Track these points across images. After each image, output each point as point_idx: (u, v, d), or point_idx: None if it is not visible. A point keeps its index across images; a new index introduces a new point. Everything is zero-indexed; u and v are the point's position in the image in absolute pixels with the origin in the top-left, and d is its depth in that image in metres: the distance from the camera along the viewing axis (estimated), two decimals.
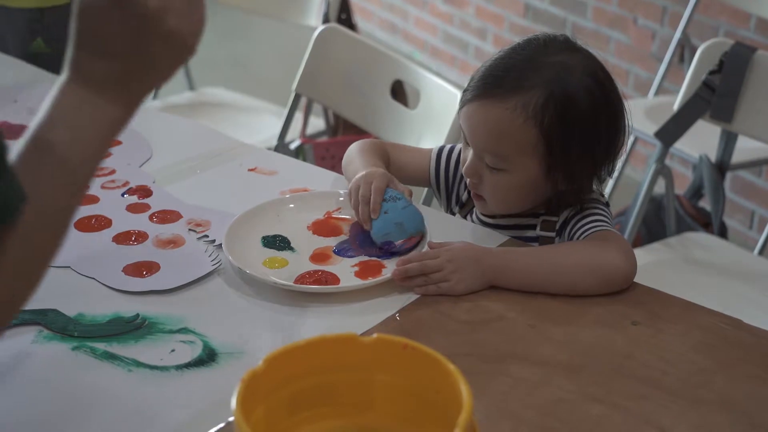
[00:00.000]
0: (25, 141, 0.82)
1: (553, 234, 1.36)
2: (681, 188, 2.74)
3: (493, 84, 1.29)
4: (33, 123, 0.82)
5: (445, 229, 1.37)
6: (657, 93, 2.91)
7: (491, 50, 4.04)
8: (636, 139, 2.74)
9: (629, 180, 3.05)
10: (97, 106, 0.83)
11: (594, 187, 1.36)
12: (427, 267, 1.23)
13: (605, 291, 1.24)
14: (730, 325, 1.19)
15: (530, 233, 1.38)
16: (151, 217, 1.40)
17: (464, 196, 1.46)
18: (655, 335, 1.17)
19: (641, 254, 2.06)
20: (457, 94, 1.79)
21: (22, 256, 0.79)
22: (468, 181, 1.36)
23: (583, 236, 1.30)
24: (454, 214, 1.49)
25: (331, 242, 1.34)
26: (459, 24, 4.19)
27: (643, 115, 2.66)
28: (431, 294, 1.23)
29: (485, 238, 1.36)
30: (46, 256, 0.83)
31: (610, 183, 2.87)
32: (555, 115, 1.27)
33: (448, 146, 1.50)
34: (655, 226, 2.30)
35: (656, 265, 2.02)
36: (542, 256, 1.27)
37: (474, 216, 1.45)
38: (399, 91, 2.17)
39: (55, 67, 1.75)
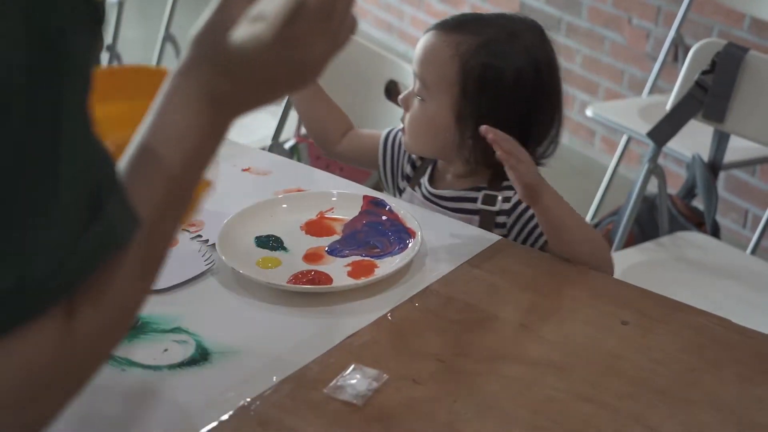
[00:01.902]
0: (134, 147, 0.75)
1: (494, 208, 1.42)
2: (675, 187, 2.75)
3: (451, 21, 1.42)
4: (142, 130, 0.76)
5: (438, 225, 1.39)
6: (651, 92, 2.92)
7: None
8: (630, 139, 2.75)
9: (623, 179, 3.05)
10: (210, 120, 0.77)
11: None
12: (521, 152, 1.30)
13: (592, 263, 1.32)
14: (720, 325, 1.20)
15: (471, 206, 1.44)
16: None
17: (408, 168, 1.54)
18: (645, 335, 1.18)
19: (634, 253, 2.07)
20: None
21: (133, 277, 0.73)
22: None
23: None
24: (401, 190, 1.54)
25: (324, 242, 1.35)
26: None
27: (636, 114, 2.67)
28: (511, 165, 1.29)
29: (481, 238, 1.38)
30: (154, 276, 0.77)
31: (604, 181, 2.88)
32: (479, 65, 1.37)
33: (397, 128, 1.57)
34: (648, 225, 2.31)
35: (649, 265, 2.03)
36: (564, 203, 1.37)
37: (423, 189, 1.50)
38: (393, 91, 2.17)
39: None
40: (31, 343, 0.64)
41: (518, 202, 1.41)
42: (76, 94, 0.63)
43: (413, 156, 1.53)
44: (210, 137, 0.77)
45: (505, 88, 1.37)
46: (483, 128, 1.29)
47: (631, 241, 2.23)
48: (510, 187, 1.41)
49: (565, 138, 3.74)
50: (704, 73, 2.01)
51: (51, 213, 0.62)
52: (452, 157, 1.45)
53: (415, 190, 1.51)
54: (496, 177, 1.43)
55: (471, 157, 1.42)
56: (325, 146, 1.63)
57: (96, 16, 0.64)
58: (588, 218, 2.85)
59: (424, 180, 1.51)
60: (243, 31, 0.75)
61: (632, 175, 3.36)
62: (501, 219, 1.42)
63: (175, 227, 0.77)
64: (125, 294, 0.70)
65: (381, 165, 1.57)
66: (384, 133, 1.58)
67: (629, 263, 2.01)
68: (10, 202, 0.60)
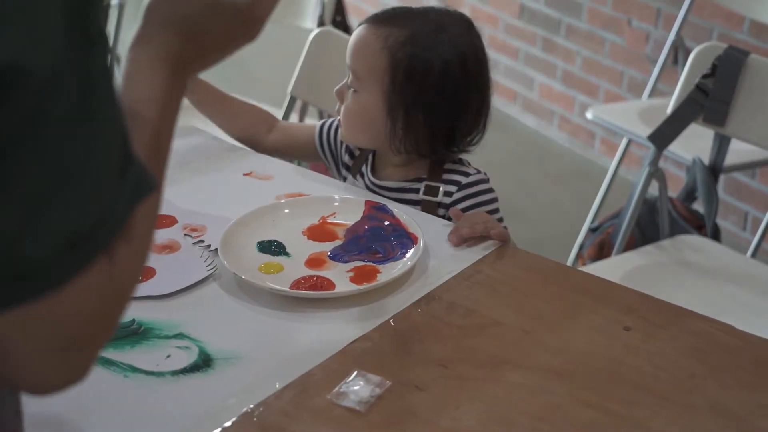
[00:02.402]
0: None
1: (436, 198, 1.48)
2: (675, 190, 2.75)
3: (381, 14, 1.48)
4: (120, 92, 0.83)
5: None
6: (651, 94, 2.93)
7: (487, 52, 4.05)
8: (630, 141, 2.75)
9: (623, 181, 3.06)
10: (166, 78, 0.85)
11: (466, 162, 1.53)
12: (476, 231, 1.37)
13: None
14: (722, 331, 1.20)
15: (414, 196, 1.50)
16: None
17: (346, 158, 1.59)
18: (647, 340, 1.18)
19: (634, 257, 2.07)
20: None
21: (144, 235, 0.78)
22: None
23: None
24: (345, 179, 1.59)
25: (327, 247, 1.35)
26: None
27: (636, 117, 2.67)
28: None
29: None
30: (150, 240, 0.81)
31: (605, 184, 2.88)
32: (407, 57, 1.42)
33: (330, 119, 1.63)
34: (648, 228, 2.31)
35: (650, 268, 2.03)
36: None
37: (366, 180, 1.55)
38: None
39: None
40: (88, 285, 0.69)
41: (457, 201, 1.48)
42: (105, 58, 0.70)
43: (350, 146, 1.58)
44: (175, 94, 0.85)
45: (432, 79, 1.43)
46: (451, 239, 1.36)
47: (631, 244, 2.23)
48: (452, 182, 1.49)
49: (565, 140, 3.74)
50: (705, 76, 2.01)
51: (102, 164, 0.68)
52: (386, 147, 1.49)
53: (357, 180, 1.56)
54: (436, 168, 1.50)
55: (402, 147, 1.47)
56: (252, 145, 1.66)
57: None
58: (588, 220, 2.85)
59: (366, 170, 1.55)
60: None
61: (632, 177, 3.36)
62: (441, 211, 1.49)
63: (161, 177, 0.85)
64: (144, 228, 0.76)
65: (321, 155, 1.63)
66: (319, 124, 1.64)
67: (630, 267, 2.01)
68: (77, 156, 0.66)
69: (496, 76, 4.01)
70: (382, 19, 1.47)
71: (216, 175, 1.57)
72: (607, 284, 1.31)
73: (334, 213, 1.41)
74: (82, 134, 0.67)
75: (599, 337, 1.19)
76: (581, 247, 2.53)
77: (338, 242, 1.36)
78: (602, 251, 2.38)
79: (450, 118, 1.46)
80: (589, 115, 2.70)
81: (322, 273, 1.29)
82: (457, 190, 1.48)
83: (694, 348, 1.16)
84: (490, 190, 1.51)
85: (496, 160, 3.64)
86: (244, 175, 1.56)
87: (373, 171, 1.55)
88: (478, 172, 1.52)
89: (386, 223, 1.38)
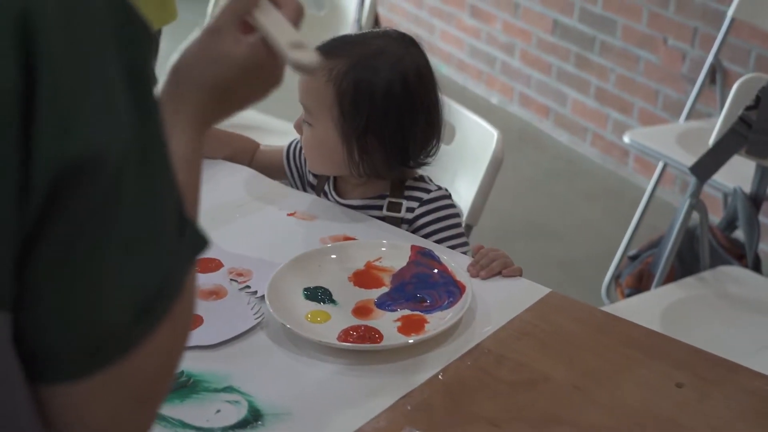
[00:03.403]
0: None
1: (399, 214, 1.54)
2: (712, 211, 2.72)
3: (323, 47, 1.51)
4: None
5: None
6: (689, 116, 2.90)
7: (518, 66, 4.03)
8: (666, 164, 2.73)
9: (657, 200, 3.03)
10: (194, 138, 0.90)
11: (427, 178, 1.58)
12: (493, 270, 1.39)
13: None
14: None
15: (377, 213, 1.55)
16: None
17: (310, 177, 1.66)
18: (701, 399, 1.16)
19: (675, 290, 2.05)
20: (494, 133, 1.79)
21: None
22: None
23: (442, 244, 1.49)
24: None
25: (373, 294, 1.34)
26: (486, 39, 4.18)
27: (674, 140, 2.65)
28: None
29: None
30: None
31: (641, 206, 2.86)
32: (351, 85, 1.47)
33: (296, 140, 1.67)
34: (688, 258, 2.29)
35: (690, 302, 2.01)
36: None
37: (330, 198, 1.61)
38: None
39: None
40: (156, 344, 0.71)
41: (419, 216, 1.54)
42: (160, 124, 0.71)
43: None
44: (200, 150, 0.91)
45: (377, 103, 1.48)
46: (470, 271, 1.38)
47: (671, 275, 2.21)
48: (414, 198, 1.54)
49: (598, 157, 3.72)
50: (748, 108, 1.99)
51: (165, 228, 0.71)
52: (350, 172, 1.53)
53: (320, 198, 1.62)
54: (397, 185, 1.56)
55: (363, 171, 1.51)
56: None
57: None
58: (624, 243, 2.83)
59: (329, 189, 1.61)
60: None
61: (666, 196, 3.34)
62: (404, 227, 1.54)
63: None
64: (193, 281, 0.78)
65: (288, 175, 1.70)
66: (286, 145, 1.71)
67: (671, 300, 1.99)
68: (144, 223, 0.68)
69: (528, 91, 4.00)
70: (324, 52, 1.46)
71: (259, 214, 1.56)
72: (658, 336, 1.30)
73: (380, 258, 1.40)
74: (148, 202, 0.69)
75: (651, 394, 1.17)
76: (619, 275, 2.51)
77: (384, 289, 1.35)
78: (641, 281, 2.36)
79: (400, 136, 1.50)
80: (626, 139, 2.68)
81: (369, 322, 1.28)
82: (419, 206, 1.54)
83: (750, 409, 1.15)
84: (452, 206, 1.56)
85: (528, 176, 3.62)
86: (288, 215, 1.55)
87: (336, 189, 1.61)
88: (439, 188, 1.57)
89: (435, 270, 1.36)
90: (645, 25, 3.41)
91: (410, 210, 1.54)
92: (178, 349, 0.76)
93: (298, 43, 0.89)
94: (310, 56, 0.89)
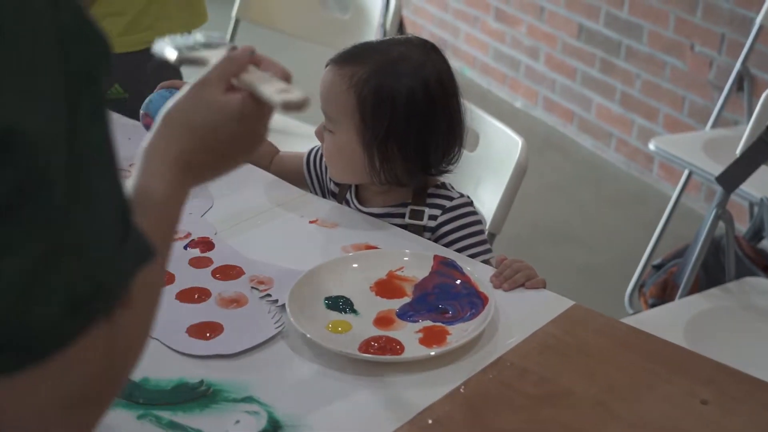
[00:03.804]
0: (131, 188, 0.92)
1: (421, 222, 1.52)
2: (737, 219, 2.68)
3: (344, 54, 1.51)
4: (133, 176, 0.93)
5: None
6: (715, 123, 2.87)
7: (543, 69, 4.01)
8: (691, 172, 2.71)
9: (682, 206, 3.00)
10: (177, 173, 0.94)
11: (449, 186, 1.57)
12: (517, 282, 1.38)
13: None
14: None
15: (399, 221, 1.54)
16: (213, 273, 1.39)
17: (332, 185, 1.65)
18: (725, 416, 1.15)
19: (700, 300, 2.03)
20: (519, 141, 1.77)
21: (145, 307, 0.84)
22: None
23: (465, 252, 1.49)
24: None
25: (395, 304, 1.33)
26: (511, 42, 4.16)
27: (700, 148, 2.63)
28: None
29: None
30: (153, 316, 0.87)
31: (665, 214, 2.84)
32: (371, 92, 1.46)
33: (317, 147, 1.66)
34: (713, 268, 2.27)
35: (715, 313, 1.99)
36: None
37: (352, 207, 1.60)
38: None
39: (130, 111, 1.79)
40: (88, 347, 0.72)
41: (442, 224, 1.52)
42: (104, 136, 0.74)
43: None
44: (180, 190, 0.94)
45: (398, 110, 1.47)
46: (494, 282, 1.38)
47: (696, 285, 2.19)
48: (436, 205, 1.53)
49: (622, 163, 3.69)
50: None
51: (101, 232, 0.73)
52: (370, 180, 1.53)
53: (342, 206, 1.61)
54: (419, 192, 1.55)
55: (384, 178, 1.51)
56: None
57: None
58: (648, 251, 2.81)
59: (351, 197, 1.60)
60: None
61: (691, 203, 3.31)
62: (427, 235, 1.52)
63: (164, 256, 0.90)
64: (146, 295, 0.81)
65: (308, 183, 1.69)
66: (306, 152, 1.70)
67: (696, 311, 1.97)
68: (75, 223, 0.70)
69: (553, 95, 3.98)
70: (345, 59, 1.51)
71: (281, 221, 1.55)
72: (682, 351, 1.28)
73: (402, 267, 1.39)
74: (82, 200, 0.70)
75: (675, 410, 1.16)
76: (643, 285, 2.49)
77: (406, 299, 1.34)
78: (665, 291, 2.34)
79: (422, 143, 1.49)
80: (651, 146, 2.65)
81: (391, 333, 1.27)
82: (442, 213, 1.52)
83: None
84: (474, 213, 1.55)
85: (551, 180, 3.60)
86: (310, 222, 1.54)
87: (358, 197, 1.60)
88: (462, 195, 1.55)
89: (458, 281, 1.35)
90: (672, 30, 3.38)
91: (433, 218, 1.53)
92: (121, 360, 0.77)
93: (285, 89, 0.95)
94: (297, 94, 0.92)
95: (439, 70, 1.51)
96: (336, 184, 1.64)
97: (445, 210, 1.53)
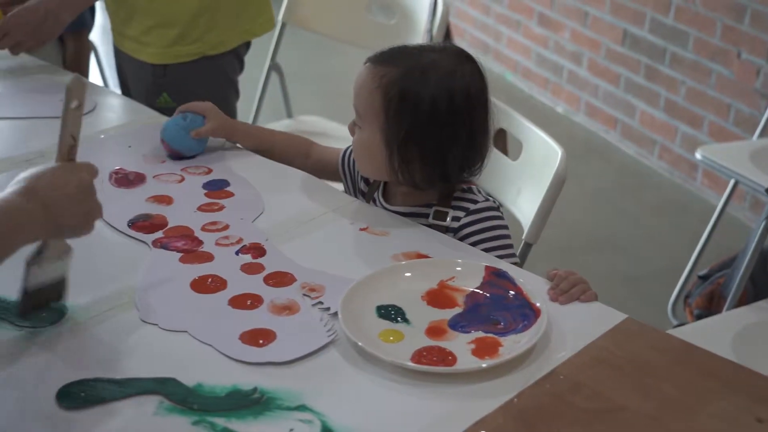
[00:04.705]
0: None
1: (444, 223, 1.56)
2: None
3: (381, 54, 1.56)
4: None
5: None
6: (762, 132, 2.84)
7: (586, 75, 3.99)
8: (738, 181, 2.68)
9: (727, 216, 2.98)
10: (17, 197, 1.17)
11: (476, 190, 1.59)
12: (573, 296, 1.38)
13: None
14: None
15: (423, 221, 1.57)
16: (265, 280, 1.40)
17: (362, 184, 1.70)
18: None
19: (748, 314, 2.01)
20: (558, 151, 1.76)
21: None
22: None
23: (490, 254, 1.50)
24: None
25: (446, 315, 1.33)
26: (554, 47, 4.14)
27: (747, 158, 2.59)
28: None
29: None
30: None
31: (710, 223, 2.81)
32: (397, 94, 1.50)
33: (351, 147, 1.69)
34: (760, 280, 2.25)
35: (764, 326, 1.98)
36: None
37: (378, 205, 1.64)
38: (499, 138, 2.14)
39: None
40: None
41: (464, 225, 1.55)
42: None
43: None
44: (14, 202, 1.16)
45: (420, 115, 1.50)
46: (550, 295, 1.37)
47: (744, 299, 2.17)
48: (460, 207, 1.56)
49: (665, 170, 3.67)
50: None
51: None
52: (393, 179, 1.56)
53: (370, 205, 1.65)
54: (445, 195, 1.58)
55: (401, 179, 1.54)
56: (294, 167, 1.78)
57: None
58: (692, 260, 2.79)
59: (378, 196, 1.65)
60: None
61: (735, 211, 3.28)
62: (449, 236, 1.54)
63: None
64: None
65: (343, 180, 1.75)
66: (342, 150, 1.76)
67: (743, 324, 1.95)
68: None
69: (595, 101, 3.96)
70: (380, 59, 1.55)
71: (332, 228, 1.56)
72: (737, 368, 1.27)
73: (453, 277, 1.39)
74: None
75: (730, 428, 1.15)
76: (688, 295, 2.47)
77: (458, 309, 1.34)
78: (712, 302, 2.32)
79: (441, 152, 1.52)
80: (698, 155, 2.63)
81: (443, 344, 1.27)
82: (465, 215, 1.55)
83: None
84: (499, 217, 1.57)
85: (593, 186, 3.58)
86: (360, 230, 1.55)
87: (385, 197, 1.64)
88: (487, 199, 1.58)
89: (511, 293, 1.35)
90: (718, 37, 3.35)
91: (456, 219, 1.56)
92: None
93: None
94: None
95: (469, 81, 1.53)
96: (365, 183, 1.69)
97: (468, 212, 1.56)
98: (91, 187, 1.25)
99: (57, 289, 1.30)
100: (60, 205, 1.20)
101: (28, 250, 1.23)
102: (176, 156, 1.76)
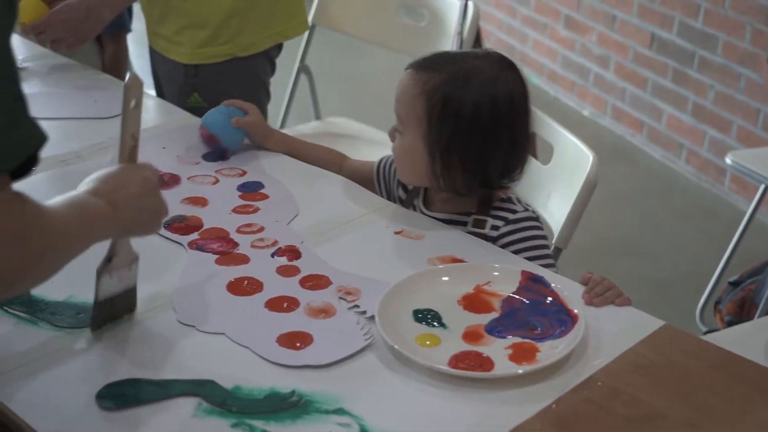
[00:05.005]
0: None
1: (483, 231, 1.55)
2: None
3: (423, 60, 1.56)
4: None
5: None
6: None
7: (612, 78, 3.98)
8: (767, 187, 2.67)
9: (755, 222, 2.96)
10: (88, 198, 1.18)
11: (515, 200, 1.59)
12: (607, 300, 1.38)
13: None
14: None
15: (461, 229, 1.57)
16: (302, 282, 1.40)
17: (400, 192, 1.69)
18: None
19: None
20: (590, 156, 1.76)
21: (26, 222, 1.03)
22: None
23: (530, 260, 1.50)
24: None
25: (483, 319, 1.33)
26: (580, 50, 4.13)
27: None
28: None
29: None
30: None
31: (740, 229, 2.80)
32: (440, 100, 1.50)
33: (387, 156, 1.72)
34: None
35: None
36: None
37: (418, 211, 1.64)
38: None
39: None
40: None
41: (503, 234, 1.54)
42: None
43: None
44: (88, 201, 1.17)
45: (462, 121, 1.50)
46: (584, 297, 1.37)
47: None
48: (499, 217, 1.56)
49: (693, 174, 3.65)
50: None
51: None
52: (433, 185, 1.57)
53: (430, 219, 1.62)
54: (485, 203, 1.58)
55: (443, 185, 1.54)
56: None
57: None
58: (720, 266, 2.77)
59: (419, 202, 1.64)
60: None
61: (763, 217, 3.26)
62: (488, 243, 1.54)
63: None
64: (30, 224, 1.03)
65: (378, 190, 1.73)
66: (377, 161, 1.75)
67: None
68: None
69: (622, 105, 3.94)
70: (422, 65, 1.56)
71: (366, 231, 1.56)
72: None
73: (490, 282, 1.39)
74: None
75: None
76: (719, 301, 2.46)
77: (494, 314, 1.34)
78: (743, 309, 2.31)
79: (482, 158, 1.52)
80: (728, 160, 2.62)
81: (480, 349, 1.27)
82: (504, 225, 1.55)
83: None
84: (538, 227, 1.57)
85: (619, 190, 3.57)
86: (395, 233, 1.55)
87: (425, 203, 1.64)
88: (526, 209, 1.57)
89: (548, 299, 1.35)
90: (748, 42, 3.33)
91: (495, 228, 1.55)
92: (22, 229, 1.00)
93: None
94: None
95: (511, 88, 1.53)
96: (404, 189, 1.68)
97: (508, 222, 1.55)
98: (155, 186, 1.25)
99: (128, 299, 1.30)
100: (127, 204, 1.20)
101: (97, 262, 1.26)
102: (213, 143, 1.77)
